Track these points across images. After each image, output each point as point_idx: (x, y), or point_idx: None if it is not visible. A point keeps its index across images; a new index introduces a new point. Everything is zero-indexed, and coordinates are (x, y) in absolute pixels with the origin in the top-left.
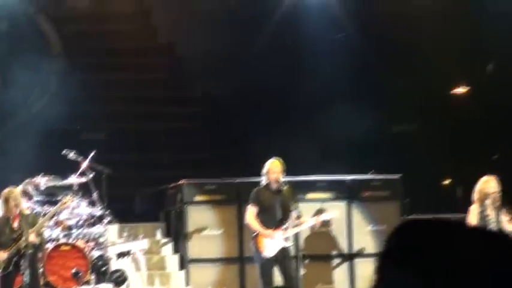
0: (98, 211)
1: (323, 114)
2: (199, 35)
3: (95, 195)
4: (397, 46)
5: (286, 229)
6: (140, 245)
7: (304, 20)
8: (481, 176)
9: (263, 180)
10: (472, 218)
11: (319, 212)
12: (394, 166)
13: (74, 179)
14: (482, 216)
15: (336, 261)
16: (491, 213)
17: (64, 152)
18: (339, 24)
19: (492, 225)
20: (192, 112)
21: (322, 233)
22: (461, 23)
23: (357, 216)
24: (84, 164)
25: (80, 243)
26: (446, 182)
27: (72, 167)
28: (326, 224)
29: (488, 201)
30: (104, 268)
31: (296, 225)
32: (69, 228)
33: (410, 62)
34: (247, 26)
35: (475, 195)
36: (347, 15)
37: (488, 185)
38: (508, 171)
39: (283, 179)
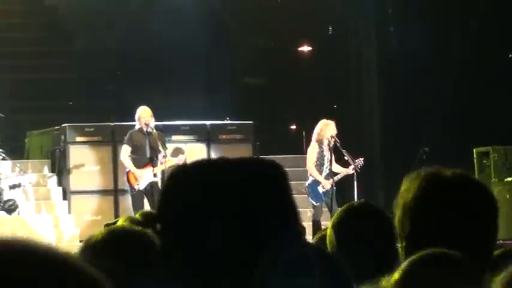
0: None
1: (186, 68)
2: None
3: None
4: (251, 8)
5: (154, 166)
6: (29, 179)
7: None
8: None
9: (136, 125)
10: (312, 156)
11: (181, 152)
12: (247, 113)
13: None
14: (321, 155)
15: None
16: (327, 153)
17: None
18: None
19: (327, 165)
20: (72, 65)
21: None
22: None
23: (215, 156)
24: None
25: None
26: (293, 127)
27: None
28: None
29: (325, 142)
30: None
31: (163, 163)
32: None
33: (262, 24)
34: None
35: (315, 136)
36: None
37: (327, 127)
38: (342, 117)
39: (153, 123)
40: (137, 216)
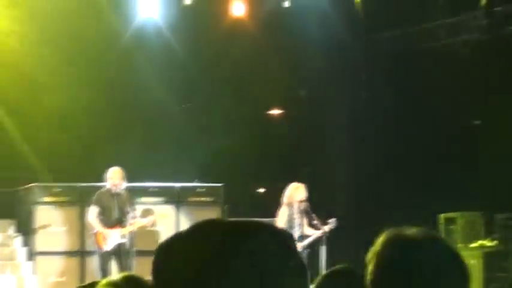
0: None
1: (157, 129)
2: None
3: None
4: (223, 72)
5: (122, 227)
6: None
7: (144, 44)
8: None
9: (107, 185)
10: (281, 219)
11: (150, 213)
12: (217, 175)
13: None
14: (290, 219)
15: None
16: (297, 216)
17: None
18: (173, 53)
19: (297, 228)
20: (41, 123)
21: (153, 232)
22: (277, 53)
23: (184, 218)
24: None
25: None
26: (262, 190)
27: None
28: (156, 224)
29: (295, 206)
30: None
31: (131, 225)
32: None
33: (232, 86)
34: (97, 45)
35: (285, 200)
36: (182, 43)
37: (297, 191)
38: (313, 181)
39: (123, 184)
40: (118, 279)
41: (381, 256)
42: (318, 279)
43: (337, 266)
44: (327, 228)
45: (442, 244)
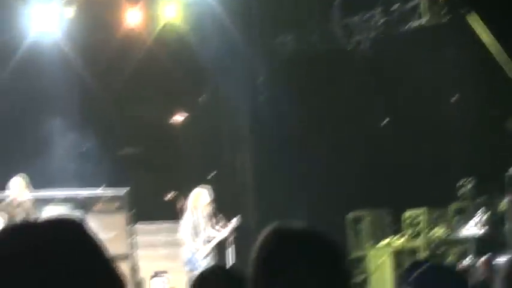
0: None
1: (60, 138)
2: None
3: None
4: (121, 81)
5: None
6: None
7: (41, 56)
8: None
9: (10, 195)
10: (186, 225)
11: None
12: (123, 182)
13: None
14: (195, 224)
15: None
16: (202, 221)
17: None
18: (70, 64)
19: (202, 232)
20: None
21: None
22: (174, 60)
23: (91, 225)
24: None
25: None
26: (168, 195)
27: None
28: None
29: (200, 211)
30: None
31: None
32: None
33: (134, 94)
34: None
35: (189, 205)
36: (79, 54)
37: (201, 195)
38: (217, 185)
39: (26, 194)
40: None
41: (260, 247)
42: (194, 279)
43: (212, 266)
44: (230, 227)
45: (322, 239)
